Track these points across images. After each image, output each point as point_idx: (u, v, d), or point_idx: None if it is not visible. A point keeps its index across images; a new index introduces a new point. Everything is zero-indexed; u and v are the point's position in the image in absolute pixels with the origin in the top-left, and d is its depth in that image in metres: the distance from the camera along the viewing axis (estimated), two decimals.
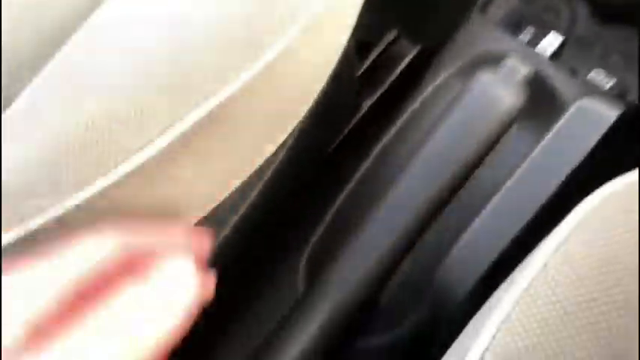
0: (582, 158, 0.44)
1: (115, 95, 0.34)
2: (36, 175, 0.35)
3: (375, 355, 0.48)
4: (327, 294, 0.41)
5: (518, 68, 0.39)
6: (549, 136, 0.45)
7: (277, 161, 0.47)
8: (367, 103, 0.61)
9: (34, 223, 0.34)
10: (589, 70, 0.52)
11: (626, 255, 0.31)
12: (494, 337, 0.30)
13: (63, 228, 0.34)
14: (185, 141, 0.34)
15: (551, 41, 0.52)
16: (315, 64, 0.39)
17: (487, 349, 0.30)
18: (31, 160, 0.35)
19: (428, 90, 0.52)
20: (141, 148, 0.34)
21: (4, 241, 0.34)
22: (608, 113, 0.44)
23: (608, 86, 0.51)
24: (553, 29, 0.53)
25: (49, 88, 0.37)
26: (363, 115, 0.60)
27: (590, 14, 0.54)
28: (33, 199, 0.34)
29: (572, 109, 0.45)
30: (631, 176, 0.32)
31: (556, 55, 0.52)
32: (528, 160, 0.45)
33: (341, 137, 0.59)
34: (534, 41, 0.53)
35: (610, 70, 0.52)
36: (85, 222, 0.34)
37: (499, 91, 0.38)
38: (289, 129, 0.41)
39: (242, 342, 0.49)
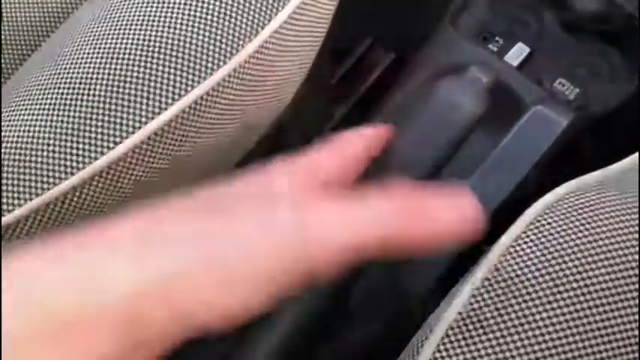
0: (533, 163, 0.45)
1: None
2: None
3: (351, 352, 0.49)
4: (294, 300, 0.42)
5: (479, 76, 0.40)
6: (504, 141, 0.46)
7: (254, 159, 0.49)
8: (341, 111, 0.62)
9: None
10: (554, 80, 0.53)
11: (573, 259, 0.33)
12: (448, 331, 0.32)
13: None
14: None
15: (518, 52, 0.54)
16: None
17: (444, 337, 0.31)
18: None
19: (395, 100, 0.53)
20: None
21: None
22: (560, 120, 0.46)
23: (572, 96, 0.52)
24: (521, 41, 0.55)
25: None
26: (336, 125, 0.61)
27: (559, 27, 0.56)
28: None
29: (526, 116, 0.46)
30: (579, 182, 0.34)
31: (523, 66, 0.54)
32: (485, 162, 0.47)
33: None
34: (502, 52, 0.54)
35: (575, 82, 0.53)
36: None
37: (460, 98, 0.39)
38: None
39: (208, 345, 0.49)
